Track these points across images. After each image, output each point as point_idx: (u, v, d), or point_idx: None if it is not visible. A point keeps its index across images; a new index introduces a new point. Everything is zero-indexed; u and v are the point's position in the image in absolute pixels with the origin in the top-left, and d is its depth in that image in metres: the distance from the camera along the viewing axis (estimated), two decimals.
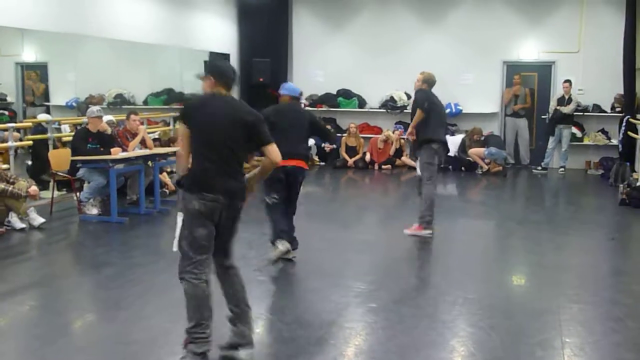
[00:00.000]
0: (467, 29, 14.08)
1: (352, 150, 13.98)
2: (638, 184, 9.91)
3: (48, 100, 15.39)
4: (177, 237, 4.14)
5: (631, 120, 11.83)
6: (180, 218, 4.12)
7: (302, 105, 14.20)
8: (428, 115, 7.47)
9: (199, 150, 4.05)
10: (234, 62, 14.87)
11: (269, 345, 4.49)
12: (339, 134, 14.28)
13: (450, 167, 13.41)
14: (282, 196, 6.37)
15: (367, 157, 13.84)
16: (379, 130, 14.41)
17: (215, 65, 4.55)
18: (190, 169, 4.08)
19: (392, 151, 13.76)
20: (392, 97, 14.39)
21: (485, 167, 13.04)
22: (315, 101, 14.88)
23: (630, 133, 11.80)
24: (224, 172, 4.03)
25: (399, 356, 4.30)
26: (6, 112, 14.34)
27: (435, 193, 7.65)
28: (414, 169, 13.53)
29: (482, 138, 13.40)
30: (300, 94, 6.91)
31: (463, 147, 13.45)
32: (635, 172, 11.24)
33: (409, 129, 7.81)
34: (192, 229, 4.04)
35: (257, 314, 5.01)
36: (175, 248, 4.15)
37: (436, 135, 7.59)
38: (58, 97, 15.64)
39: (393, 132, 13.93)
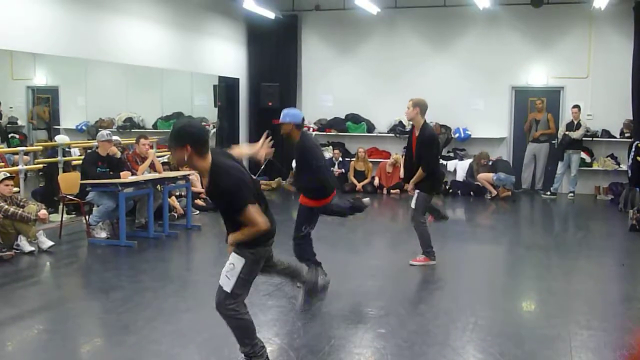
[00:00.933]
0: (476, 54, 14.15)
1: (360, 175, 14.00)
2: None
3: (58, 124, 15.53)
4: (230, 278, 4.25)
5: None
6: (239, 262, 4.26)
7: (310, 130, 14.38)
8: (437, 161, 7.46)
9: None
10: (243, 86, 15.04)
11: None
12: (347, 159, 14.34)
13: (459, 192, 13.41)
14: None
15: (376, 181, 13.86)
16: (387, 155, 14.44)
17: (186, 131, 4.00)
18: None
19: (401, 174, 13.75)
20: (400, 122, 14.42)
21: (494, 192, 13.02)
22: (324, 126, 14.95)
23: (639, 158, 11.77)
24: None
25: None
26: (17, 136, 14.46)
27: (427, 227, 7.48)
28: None
29: (490, 163, 13.40)
30: (303, 119, 6.51)
31: (471, 172, 13.46)
32: None
33: (410, 185, 7.39)
34: (252, 274, 4.32)
35: (266, 339, 5.00)
36: (227, 288, 4.23)
37: (436, 186, 7.57)
38: (68, 121, 15.78)
39: (402, 157, 13.94)
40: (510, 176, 13.24)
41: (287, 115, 6.37)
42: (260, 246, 4.28)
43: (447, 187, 13.42)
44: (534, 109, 13.88)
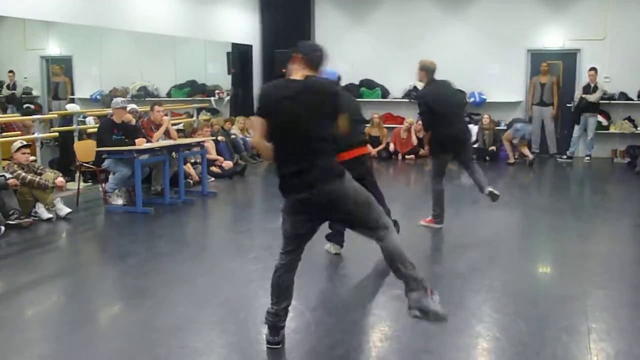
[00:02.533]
0: (490, 18, 13.98)
1: (375, 141, 13.93)
2: None
3: (73, 94, 15.56)
4: None
5: None
6: None
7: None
8: (431, 113, 7.10)
9: None
10: (256, 53, 14.96)
11: (297, 331, 4.51)
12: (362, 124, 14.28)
13: (475, 156, 13.31)
14: None
15: (391, 147, 13.82)
16: (402, 120, 14.35)
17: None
18: None
19: (414, 141, 13.71)
20: (415, 87, 14.28)
21: (512, 159, 12.93)
22: None
23: None
24: None
25: (424, 342, 4.31)
26: (32, 106, 14.50)
27: (441, 189, 7.36)
28: None
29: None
30: (339, 77, 6.29)
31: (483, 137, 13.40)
32: None
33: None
34: (284, 225, 4.10)
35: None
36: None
37: (447, 147, 7.21)
38: (82, 91, 15.81)
39: (416, 122, 13.88)
40: (527, 125, 13.09)
41: (322, 73, 6.41)
42: (284, 193, 3.95)
43: None
44: (551, 72, 13.74)
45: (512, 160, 12.95)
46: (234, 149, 12.40)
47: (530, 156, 12.91)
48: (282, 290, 4.11)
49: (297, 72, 3.96)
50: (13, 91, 14.73)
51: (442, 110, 7.05)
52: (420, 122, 13.59)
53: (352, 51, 14.84)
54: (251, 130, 3.95)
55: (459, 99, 7.49)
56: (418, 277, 3.93)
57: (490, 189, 7.37)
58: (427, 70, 7.23)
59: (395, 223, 6.20)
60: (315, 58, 4.03)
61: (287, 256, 4.09)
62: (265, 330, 4.19)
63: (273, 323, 4.14)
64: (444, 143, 7.17)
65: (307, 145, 3.83)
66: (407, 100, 14.45)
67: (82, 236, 7.76)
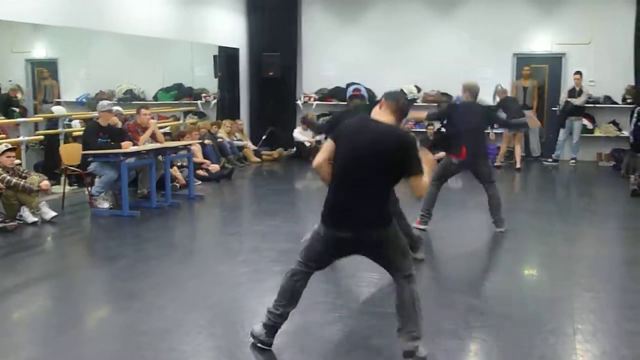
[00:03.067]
0: (479, 21, 14.04)
1: None
2: None
3: (59, 97, 15.49)
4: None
5: None
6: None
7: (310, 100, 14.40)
8: (450, 126, 7.50)
9: None
10: (243, 56, 14.94)
11: (285, 333, 4.50)
12: None
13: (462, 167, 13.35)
14: None
15: None
16: None
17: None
18: None
19: None
20: (402, 90, 14.35)
21: (500, 163, 12.99)
22: (325, 95, 14.90)
23: None
24: None
25: None
26: (17, 109, 14.40)
27: (434, 190, 7.43)
28: None
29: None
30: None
31: None
32: None
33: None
34: (311, 246, 4.10)
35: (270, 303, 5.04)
36: None
37: (453, 149, 7.37)
38: (68, 93, 15.75)
39: (403, 125, 13.91)
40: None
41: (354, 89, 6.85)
42: (322, 222, 3.93)
43: None
44: (535, 76, 13.82)
45: (498, 163, 13.00)
46: (220, 153, 12.39)
47: (519, 163, 12.95)
48: (295, 295, 4.12)
49: (382, 116, 3.96)
50: None
51: (460, 124, 7.32)
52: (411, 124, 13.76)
53: (340, 54, 14.87)
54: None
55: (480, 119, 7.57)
56: (419, 328, 3.96)
57: (501, 229, 7.50)
58: (470, 92, 7.48)
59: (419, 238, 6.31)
60: (404, 108, 4.04)
61: (308, 268, 4.09)
62: (256, 329, 4.17)
63: (275, 324, 4.13)
64: (454, 146, 7.33)
65: (363, 186, 3.82)
66: None
67: (68, 239, 7.71)
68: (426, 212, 7.42)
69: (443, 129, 7.93)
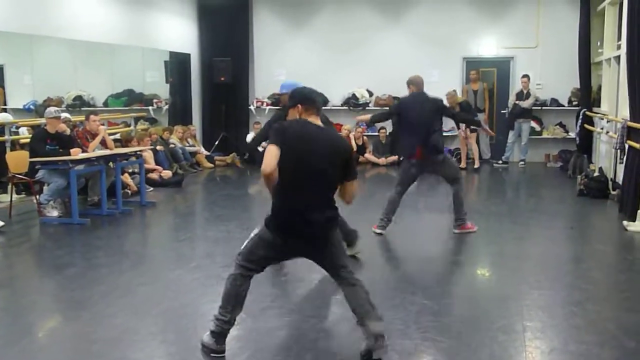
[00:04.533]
0: (428, 25, 14.24)
1: None
2: (595, 174, 10.11)
3: (5, 104, 15.13)
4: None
5: (587, 113, 12.10)
6: (258, 227, 4.13)
7: (263, 105, 14.37)
8: (401, 123, 7.44)
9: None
10: (194, 61, 14.86)
11: (238, 339, 4.49)
12: None
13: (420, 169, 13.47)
14: None
15: None
16: (340, 128, 14.47)
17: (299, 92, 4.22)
18: None
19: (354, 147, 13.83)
20: (354, 95, 14.47)
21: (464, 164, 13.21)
22: (277, 100, 14.86)
23: (586, 126, 12.06)
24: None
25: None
26: None
27: (395, 196, 7.50)
28: (378, 165, 13.67)
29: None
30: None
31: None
32: (592, 163, 11.51)
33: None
34: (256, 249, 4.09)
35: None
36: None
37: (411, 151, 7.29)
38: (15, 100, 15.39)
39: (355, 130, 14.02)
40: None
41: (283, 86, 6.63)
42: (269, 226, 3.97)
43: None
44: (484, 79, 14.05)
45: (464, 165, 13.18)
46: (173, 159, 12.28)
47: (477, 162, 13.18)
48: (239, 300, 4.10)
49: (312, 118, 4.04)
50: None
51: (409, 115, 7.30)
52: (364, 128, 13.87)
53: (292, 58, 14.89)
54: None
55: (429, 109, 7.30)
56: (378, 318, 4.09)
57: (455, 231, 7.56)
58: (414, 85, 7.43)
59: (355, 232, 6.36)
60: (320, 106, 4.14)
61: (249, 271, 4.09)
62: (205, 339, 4.14)
63: (223, 330, 4.10)
64: (408, 146, 7.35)
65: (315, 190, 3.92)
66: (346, 107, 14.56)
67: (16, 249, 7.54)
68: (386, 217, 7.44)
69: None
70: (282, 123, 4.08)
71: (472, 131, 13.10)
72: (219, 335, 4.10)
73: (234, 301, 4.08)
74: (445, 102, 12.87)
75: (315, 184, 3.90)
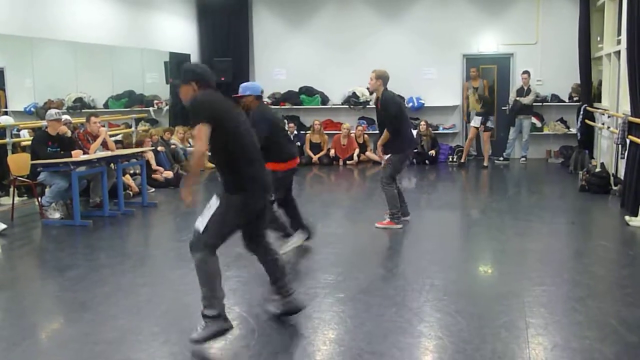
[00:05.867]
0: (427, 23, 14.24)
1: (316, 147, 14.02)
2: (596, 170, 10.10)
3: (6, 106, 15.15)
4: (203, 217, 4.32)
5: (588, 108, 12.08)
6: (214, 202, 4.33)
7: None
8: (401, 122, 7.51)
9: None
10: (194, 62, 14.80)
11: (241, 338, 4.49)
12: (302, 132, 14.34)
13: (414, 160, 13.51)
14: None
15: (332, 152, 13.90)
16: (341, 127, 14.48)
17: (192, 70, 4.49)
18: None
19: (355, 147, 13.84)
20: (354, 93, 14.46)
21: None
22: (278, 99, 14.91)
23: (587, 121, 12.04)
24: None
25: (366, 343, 4.34)
26: None
27: (395, 190, 7.65)
28: (379, 163, 13.68)
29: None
30: (262, 91, 6.74)
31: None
32: (593, 159, 11.49)
33: (379, 148, 7.78)
34: (228, 221, 4.34)
35: (227, 309, 5.02)
36: (200, 227, 4.34)
37: (412, 144, 7.77)
38: (16, 103, 15.40)
39: (356, 128, 14.03)
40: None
41: (246, 88, 6.47)
42: (244, 192, 4.26)
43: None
44: (484, 76, 14.03)
45: (463, 160, 13.23)
46: (174, 159, 12.29)
47: (486, 161, 13.19)
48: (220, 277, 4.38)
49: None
50: None
51: (405, 113, 7.69)
52: (365, 126, 13.88)
53: (292, 58, 14.90)
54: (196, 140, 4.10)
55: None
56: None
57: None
58: (383, 79, 7.52)
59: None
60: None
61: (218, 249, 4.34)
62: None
63: (223, 307, 4.35)
64: (407, 142, 7.59)
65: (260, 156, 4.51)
66: (346, 106, 14.57)
67: (18, 251, 7.54)
68: (396, 210, 7.58)
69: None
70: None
71: (486, 130, 13.10)
72: (220, 315, 4.31)
73: (219, 279, 4.33)
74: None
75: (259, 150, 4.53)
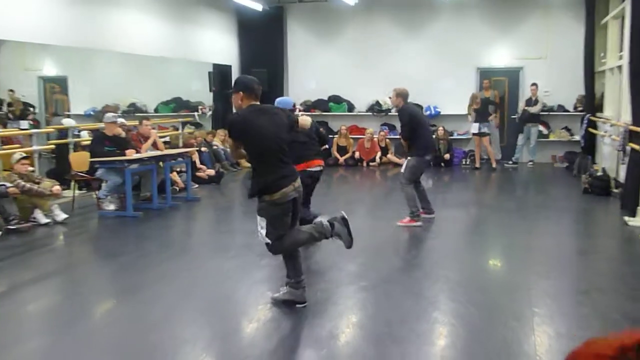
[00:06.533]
0: (444, 38, 14.10)
1: (342, 150, 13.99)
2: (598, 174, 9.92)
3: (69, 110, 15.38)
4: (261, 229, 4.58)
5: (591, 118, 11.88)
6: (259, 219, 4.60)
7: (298, 111, 14.34)
8: (416, 129, 7.44)
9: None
10: (235, 72, 14.88)
11: (272, 320, 4.48)
12: (330, 136, 14.30)
13: (431, 163, 13.35)
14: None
15: (357, 155, 13.86)
16: (365, 131, 14.41)
17: (241, 81, 4.63)
18: None
19: (377, 150, 13.77)
20: (377, 102, 14.40)
21: (479, 164, 13.07)
22: (309, 106, 14.88)
23: (590, 129, 11.84)
24: None
25: (386, 328, 4.30)
26: (31, 121, 14.28)
27: (412, 189, 7.58)
28: (399, 165, 13.57)
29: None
30: (294, 105, 6.82)
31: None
32: (595, 163, 11.29)
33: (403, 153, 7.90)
34: (275, 218, 4.55)
35: (260, 293, 5.03)
36: (262, 239, 4.63)
37: (429, 150, 7.71)
38: (77, 107, 15.61)
39: (379, 133, 13.97)
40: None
41: (279, 103, 6.46)
42: (267, 194, 4.40)
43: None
44: (495, 87, 13.87)
45: (477, 165, 13.07)
46: (215, 159, 12.33)
47: (494, 163, 13.04)
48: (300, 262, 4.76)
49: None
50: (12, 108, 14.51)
51: (421, 122, 7.63)
52: (386, 131, 13.81)
53: (321, 69, 14.87)
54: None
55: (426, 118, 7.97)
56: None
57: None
58: (402, 96, 7.54)
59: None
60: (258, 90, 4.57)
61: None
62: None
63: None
64: (424, 147, 7.52)
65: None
66: (370, 113, 14.51)
67: (77, 239, 7.63)
68: (416, 209, 7.50)
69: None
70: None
71: (482, 135, 12.94)
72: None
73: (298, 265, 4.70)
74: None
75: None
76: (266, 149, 4.40)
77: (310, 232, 4.60)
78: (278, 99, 6.64)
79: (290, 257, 4.67)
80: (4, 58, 15.90)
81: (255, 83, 4.54)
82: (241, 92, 4.45)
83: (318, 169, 6.65)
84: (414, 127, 7.43)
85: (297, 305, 4.64)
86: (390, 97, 7.59)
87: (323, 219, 4.61)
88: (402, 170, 7.68)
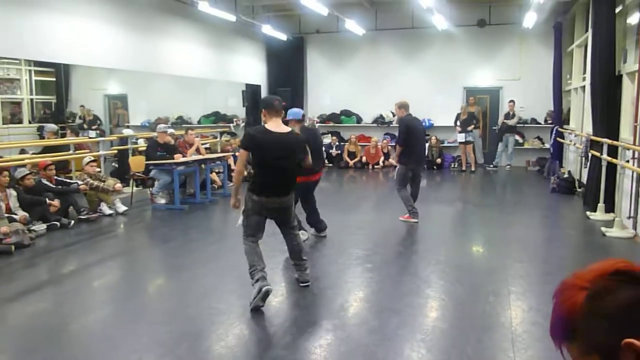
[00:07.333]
0: (437, 62, 14.02)
1: (352, 155, 13.99)
2: (565, 176, 9.84)
3: (128, 122, 15.52)
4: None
5: (559, 129, 11.76)
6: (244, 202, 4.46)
7: (312, 123, 14.37)
8: (408, 141, 7.10)
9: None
10: (263, 90, 14.90)
11: (289, 294, 4.51)
12: (342, 143, 14.32)
13: (425, 166, 13.32)
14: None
15: (364, 159, 13.85)
16: (371, 140, 14.39)
17: (264, 101, 4.50)
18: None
19: (381, 155, 13.74)
20: (381, 115, 14.37)
21: (465, 168, 12.95)
22: (324, 119, 14.89)
23: (558, 139, 11.73)
24: None
25: (388, 302, 4.32)
26: (97, 131, 14.44)
27: (406, 192, 7.29)
28: None
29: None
30: (303, 115, 6.64)
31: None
32: (562, 167, 11.19)
33: (395, 159, 7.44)
34: (251, 217, 4.54)
35: (284, 273, 5.06)
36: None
37: (411, 162, 7.16)
38: (135, 120, 15.76)
39: (382, 141, 13.95)
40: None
41: (290, 114, 6.31)
42: (253, 193, 4.36)
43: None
44: (479, 104, 13.79)
45: (464, 168, 12.99)
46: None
47: (473, 167, 12.95)
48: (260, 255, 4.42)
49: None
50: (82, 121, 14.68)
51: (415, 135, 7.20)
52: (388, 139, 13.75)
53: (334, 88, 14.86)
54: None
55: (423, 129, 7.48)
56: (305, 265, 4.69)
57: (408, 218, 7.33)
58: (404, 107, 7.27)
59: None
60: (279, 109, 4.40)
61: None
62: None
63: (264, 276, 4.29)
64: (412, 158, 7.17)
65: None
66: (375, 124, 14.49)
67: (134, 227, 7.71)
68: (411, 207, 7.26)
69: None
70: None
71: (467, 143, 12.89)
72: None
73: (259, 256, 4.39)
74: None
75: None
76: (263, 163, 4.30)
77: (253, 258, 4.35)
78: (290, 110, 6.45)
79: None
80: (76, 79, 16.14)
81: (275, 100, 4.42)
82: (264, 110, 4.38)
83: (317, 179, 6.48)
84: (407, 138, 7.16)
85: (301, 285, 4.60)
86: (392, 112, 7.45)
87: (263, 282, 4.21)
88: (395, 177, 7.49)
